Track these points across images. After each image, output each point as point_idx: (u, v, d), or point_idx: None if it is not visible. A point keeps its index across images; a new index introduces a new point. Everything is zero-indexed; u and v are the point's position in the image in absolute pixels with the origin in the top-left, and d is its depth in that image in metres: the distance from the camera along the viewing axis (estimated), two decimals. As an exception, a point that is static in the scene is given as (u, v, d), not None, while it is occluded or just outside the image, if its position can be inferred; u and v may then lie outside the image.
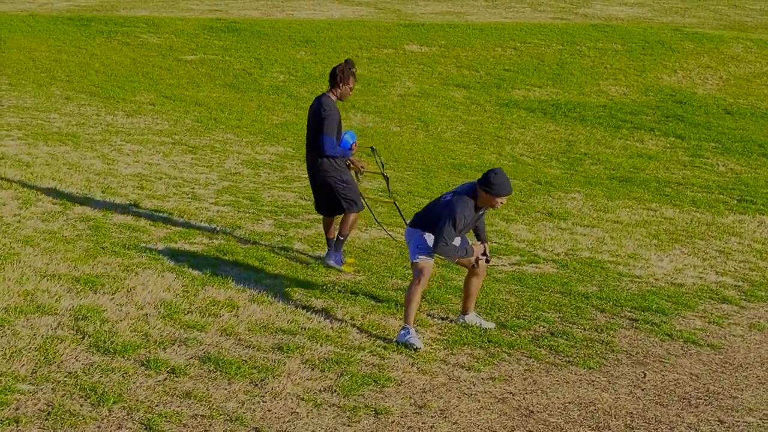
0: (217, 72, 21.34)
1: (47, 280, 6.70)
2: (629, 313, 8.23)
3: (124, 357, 5.42)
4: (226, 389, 5.25)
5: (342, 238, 8.62)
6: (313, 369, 5.76)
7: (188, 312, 6.47)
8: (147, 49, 22.83)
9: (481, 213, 6.99)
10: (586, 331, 7.54)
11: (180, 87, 19.73)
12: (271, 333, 6.32)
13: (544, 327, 7.49)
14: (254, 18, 27.21)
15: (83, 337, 5.63)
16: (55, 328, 5.67)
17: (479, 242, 7.16)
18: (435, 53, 23.70)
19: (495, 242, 10.92)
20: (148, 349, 5.59)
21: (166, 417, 4.75)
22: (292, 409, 5.14)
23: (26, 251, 7.46)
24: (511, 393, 5.86)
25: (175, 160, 13.46)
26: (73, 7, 28.84)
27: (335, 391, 5.48)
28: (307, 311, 7.01)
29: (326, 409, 5.20)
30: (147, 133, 15.21)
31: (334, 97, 8.51)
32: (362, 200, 8.79)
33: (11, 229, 8.16)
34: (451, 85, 21.53)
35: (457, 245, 6.73)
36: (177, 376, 5.30)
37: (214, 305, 6.77)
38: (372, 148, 9.50)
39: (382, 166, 9.57)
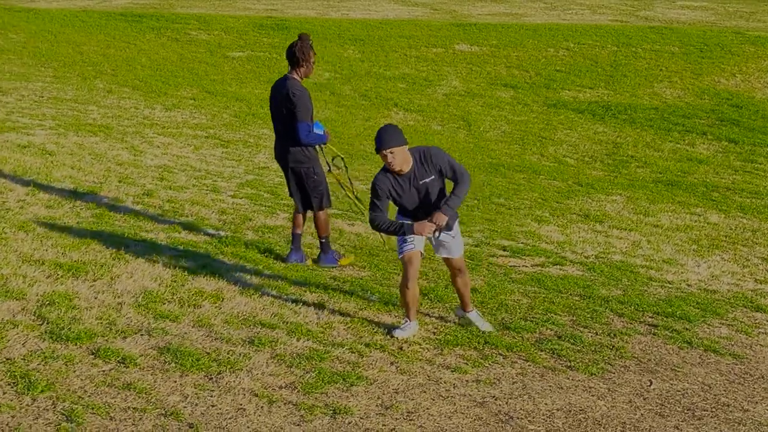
0: (262, 69, 21.19)
1: (28, 265, 6.49)
2: (650, 319, 7.74)
3: (76, 345, 5.15)
4: (175, 382, 4.94)
5: (324, 240, 8.14)
6: (280, 364, 5.43)
7: (167, 302, 6.20)
8: (195, 46, 22.79)
9: (418, 181, 6.24)
10: (597, 336, 7.08)
11: (223, 83, 19.61)
12: (249, 326, 6.01)
13: (551, 330, 7.05)
14: (307, 16, 27.04)
15: (41, 324, 5.38)
16: (15, 314, 5.43)
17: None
18: (485, 53, 23.24)
19: (521, 243, 10.50)
20: (106, 338, 5.32)
21: (93, 408, 4.45)
22: (240, 405, 4.81)
23: (17, 236, 7.27)
24: (493, 397, 5.44)
25: (204, 153, 13.28)
26: (130, 5, 29.04)
27: (297, 388, 5.14)
28: (296, 305, 6.69)
29: (279, 407, 4.85)
30: (182, 126, 15.08)
31: (298, 77, 7.77)
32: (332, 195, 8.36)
33: (10, 215, 7.99)
34: (499, 84, 21.06)
35: (387, 221, 6.17)
36: (126, 367, 5.01)
37: (197, 296, 6.49)
38: (342, 158, 8.60)
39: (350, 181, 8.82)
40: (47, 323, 5.39)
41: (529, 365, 6.16)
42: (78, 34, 22.61)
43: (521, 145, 16.98)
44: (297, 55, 7.71)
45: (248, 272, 7.41)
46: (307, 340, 5.91)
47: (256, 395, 4.95)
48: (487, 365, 6.00)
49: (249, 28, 24.50)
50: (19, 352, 4.90)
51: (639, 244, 11.18)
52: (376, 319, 6.62)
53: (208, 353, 5.39)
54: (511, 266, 9.35)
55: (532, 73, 21.88)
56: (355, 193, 9.00)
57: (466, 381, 5.60)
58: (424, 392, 5.33)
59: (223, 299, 6.54)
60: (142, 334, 5.48)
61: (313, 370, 5.40)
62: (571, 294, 8.38)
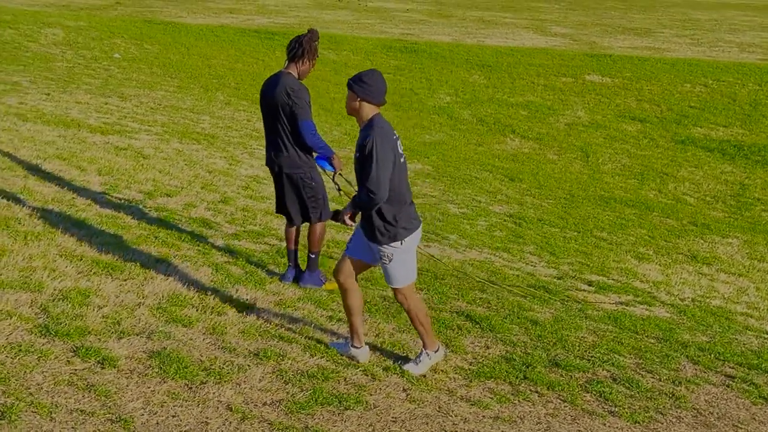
0: (384, 89, 21.05)
1: (64, 259, 6.39)
2: (729, 370, 7.00)
3: (63, 341, 4.94)
4: (148, 388, 4.65)
5: (313, 257, 7.18)
6: (277, 380, 5.07)
7: (190, 306, 5.95)
8: (322, 64, 22.88)
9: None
10: (659, 382, 6.42)
11: (342, 101, 19.52)
12: (266, 338, 5.68)
13: (608, 371, 6.44)
14: (439, 41, 26.85)
15: (39, 317, 5.21)
16: (20, 305, 5.29)
17: None
18: (616, 84, 22.41)
19: (612, 279, 9.85)
20: (99, 337, 5.10)
21: (36, 407, 4.19)
22: (206, 419, 4.47)
23: (69, 231, 7.21)
24: (506, 436, 4.93)
25: (302, 168, 13.13)
26: (270, 24, 29.58)
27: (281, 406, 4.76)
28: (329, 321, 6.34)
29: (250, 425, 4.48)
30: (287, 140, 15.02)
31: (295, 74, 6.82)
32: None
33: (72, 210, 7.98)
34: (627, 117, 20.22)
35: None
36: (102, 368, 4.75)
37: (227, 303, 6.23)
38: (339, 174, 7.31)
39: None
40: (46, 317, 5.22)
41: (565, 406, 5.59)
42: (210, 48, 23.09)
43: (639, 180, 16.16)
44: (304, 47, 6.78)
45: (292, 284, 7.11)
46: (321, 357, 5.54)
47: (231, 410, 4.61)
48: (515, 402, 5.48)
49: (378, 49, 24.48)
50: (-3, 342, 4.74)
51: (745, 290, 10.33)
52: (411, 343, 6.19)
53: (201, 362, 5.10)
54: (590, 302, 8.73)
55: (663, 108, 20.93)
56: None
57: (482, 417, 5.10)
58: (426, 424, 4.86)
59: (253, 309, 6.26)
60: (140, 337, 5.24)
61: (311, 389, 5.02)
62: (647, 336, 7.71)
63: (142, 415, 4.35)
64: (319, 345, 5.78)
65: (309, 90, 6.91)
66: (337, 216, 5.58)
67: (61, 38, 21.43)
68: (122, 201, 8.91)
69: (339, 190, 7.30)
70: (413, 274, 5.73)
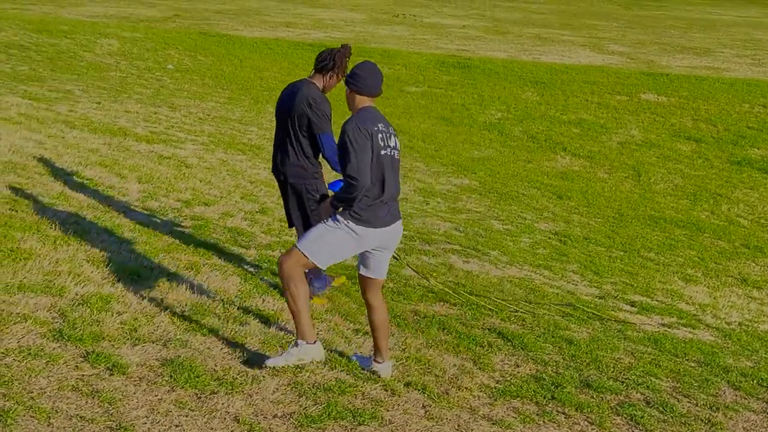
0: (435, 104, 20.94)
1: (91, 264, 6.36)
2: (773, 397, 6.71)
3: (75, 346, 4.87)
4: (155, 396, 4.55)
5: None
6: (291, 392, 4.94)
7: (213, 315, 5.87)
8: (373, 78, 22.85)
9: None
10: (696, 407, 6.17)
11: (392, 116, 19.46)
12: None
13: (642, 394, 6.21)
14: (493, 57, 26.66)
15: (55, 321, 5.15)
16: (37, 309, 5.24)
17: None
18: (672, 104, 21.99)
19: (656, 300, 9.57)
20: (112, 343, 5.02)
21: (35, 411, 4.09)
22: (211, 429, 4.35)
23: (99, 237, 7.20)
24: (524, 459, 4.73)
25: (345, 180, 13.05)
26: (326, 38, 29.67)
27: (292, 419, 4.63)
28: (355, 334, 6.20)
29: (254, 438, 4.37)
30: (333, 152, 14.96)
31: (319, 85, 6.65)
32: None
33: (106, 216, 7.97)
34: (681, 137, 19.81)
35: None
36: (111, 374, 4.67)
37: (251, 314, 6.13)
38: None
39: None
40: (62, 322, 5.17)
41: (592, 429, 5.38)
42: (263, 60, 23.20)
43: (692, 201, 15.77)
44: (336, 61, 6.58)
45: (327, 295, 7.00)
46: (341, 371, 5.40)
47: (237, 421, 4.50)
48: (540, 423, 5.28)
49: (431, 64, 24.37)
50: (8, 345, 4.68)
51: (797, 316, 9.96)
52: (438, 359, 6.03)
53: (215, 371, 4.99)
54: (631, 323, 8.48)
55: (720, 128, 20.47)
56: None
57: (503, 437, 4.92)
58: (442, 442, 4.71)
59: (277, 320, 6.15)
60: (156, 344, 5.16)
61: (325, 402, 4.88)
62: (687, 359, 7.45)
63: (144, 423, 4.26)
64: (340, 358, 5.65)
65: (331, 103, 6.78)
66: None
67: (116, 48, 21.70)
68: (158, 209, 8.89)
69: None
70: (324, 259, 5.21)
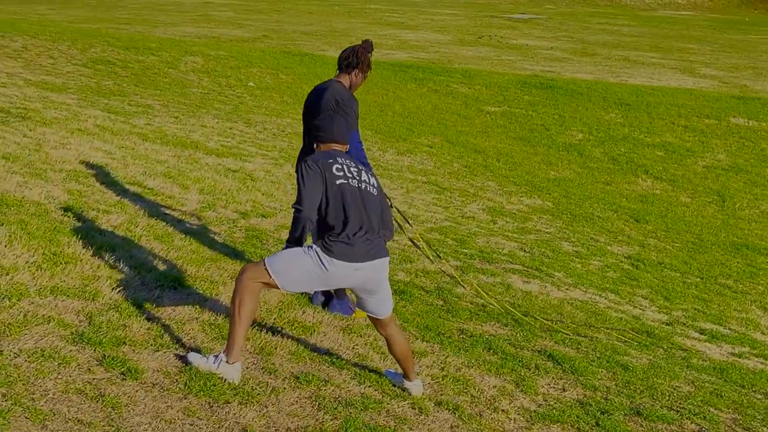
0: (513, 124, 20.63)
1: (132, 270, 6.30)
2: (844, 434, 6.25)
3: (93, 350, 4.77)
4: (164, 403, 4.41)
5: None
6: (310, 406, 4.75)
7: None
8: (453, 98, 22.68)
9: None
10: (755, 441, 5.77)
11: (469, 134, 19.25)
12: (316, 362, 5.38)
13: (697, 425, 5.84)
14: (578, 78, 26.20)
15: (80, 324, 5.08)
16: (65, 312, 5.18)
17: None
18: (763, 128, 21.21)
19: (729, 329, 9.11)
20: (133, 348, 4.91)
21: (33, 413, 3.93)
22: None
23: (147, 245, 7.15)
24: (554, 487, 4.43)
25: (413, 197, 12.88)
26: (409, 58, 29.64)
27: None
28: (394, 350, 5.98)
29: (262, 451, 4.17)
30: (404, 170, 14.81)
31: (346, 84, 6.53)
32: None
33: (160, 224, 7.94)
34: (772, 162, 19.07)
35: None
36: (124, 379, 4.55)
37: (288, 324, 5.98)
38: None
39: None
40: (87, 325, 5.09)
41: (635, 459, 5.05)
42: (343, 79, 23.23)
43: (778, 228, 15.10)
44: (360, 58, 6.45)
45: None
46: (369, 386, 5.19)
47: (246, 431, 4.33)
48: (578, 450, 4.98)
49: (511, 84, 24.07)
50: (23, 346, 4.60)
51: None
52: (477, 379, 5.77)
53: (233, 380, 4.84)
54: (698, 350, 8.07)
55: (812, 154, 19.64)
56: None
57: (533, 463, 4.64)
58: (464, 466, 4.45)
59: (313, 332, 5.98)
60: (180, 351, 5.04)
61: (344, 418, 4.68)
62: (754, 390, 7.02)
63: (146, 429, 4.12)
64: (372, 374, 5.44)
65: (359, 102, 6.64)
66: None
67: (200, 66, 22.00)
68: (214, 219, 8.85)
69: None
70: (286, 282, 4.94)
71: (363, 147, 6.72)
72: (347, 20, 44.31)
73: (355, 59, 6.53)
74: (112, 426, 4.08)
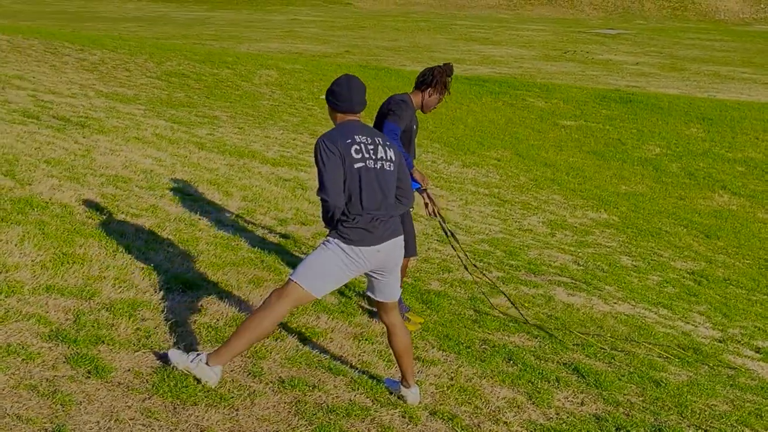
0: (588, 138, 20.12)
1: (143, 272, 6.19)
2: None
3: (66, 346, 4.63)
4: (124, 402, 4.21)
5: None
6: (287, 411, 4.51)
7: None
8: (528, 111, 22.28)
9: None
10: (789, 466, 5.32)
11: (540, 148, 18.83)
12: (311, 368, 5.15)
13: (724, 446, 5.41)
14: (665, 93, 25.48)
15: (64, 322, 4.96)
16: (54, 310, 5.06)
17: None
18: None
19: (791, 346, 8.57)
20: (112, 348, 4.77)
21: None
22: None
23: (172, 247, 7.06)
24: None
25: (470, 208, 12.59)
26: (492, 74, 29.34)
27: None
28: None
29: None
30: (467, 182, 14.52)
31: (415, 101, 6.51)
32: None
33: (190, 229, 7.85)
34: None
35: None
36: (88, 377, 4.38)
37: (296, 329, 5.77)
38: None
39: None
40: (72, 323, 4.98)
41: (642, 479, 4.67)
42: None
43: None
44: (435, 77, 6.46)
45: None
46: (362, 393, 4.94)
47: None
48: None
49: (590, 98, 23.53)
50: (-7, 341, 4.51)
51: None
52: (487, 390, 5.46)
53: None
54: (748, 369, 7.58)
55: None
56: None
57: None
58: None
59: (320, 337, 5.77)
60: (160, 351, 4.88)
61: (320, 424, 4.43)
62: (802, 413, 6.51)
63: (91, 428, 3.96)
64: (371, 381, 5.20)
65: (414, 115, 6.48)
66: None
67: (273, 79, 22.12)
68: (249, 225, 8.73)
69: (431, 211, 6.64)
70: (320, 287, 4.78)
71: (397, 136, 6.48)
72: (432, 36, 44.24)
73: (430, 77, 6.55)
74: (54, 423, 3.93)
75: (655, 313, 8.86)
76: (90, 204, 7.82)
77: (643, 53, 39.60)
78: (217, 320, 5.66)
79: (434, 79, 6.51)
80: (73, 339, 4.74)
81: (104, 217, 7.51)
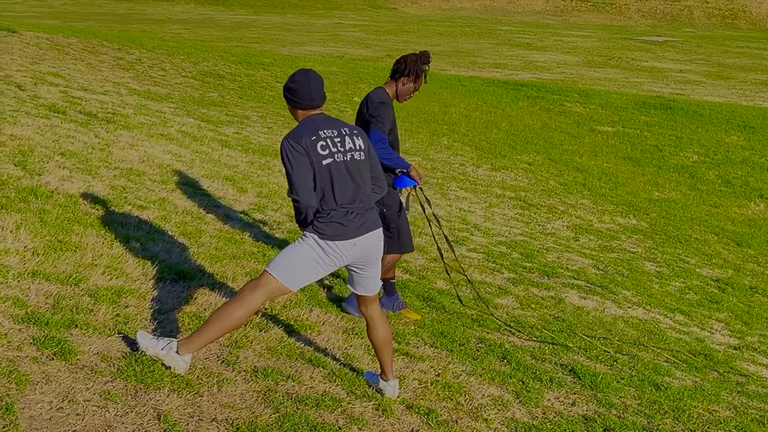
0: (624, 144, 19.83)
1: (136, 261, 6.17)
2: None
3: (38, 329, 4.60)
4: (84, 385, 4.14)
5: (393, 281, 6.65)
6: (253, 399, 4.42)
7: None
8: (565, 116, 22.04)
9: None
10: (785, 475, 5.12)
11: (574, 153, 18.59)
12: (290, 359, 5.07)
13: (719, 452, 5.23)
14: (709, 101, 25.07)
15: (41, 306, 4.93)
16: (34, 295, 5.04)
17: None
18: None
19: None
20: (84, 332, 4.73)
21: None
22: (112, 423, 3.89)
23: (173, 239, 7.04)
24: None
25: (493, 211, 12.44)
26: (534, 79, 29.12)
27: (230, 426, 4.10)
28: (395, 354, 5.62)
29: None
30: (494, 185, 14.36)
31: (390, 92, 6.37)
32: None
33: (196, 222, 7.82)
34: None
35: None
36: (52, 359, 4.32)
37: (285, 321, 5.70)
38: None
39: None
40: (49, 306, 4.96)
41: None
42: (452, 96, 22.94)
43: None
44: (408, 65, 6.27)
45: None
46: (338, 385, 4.85)
47: (158, 419, 4.02)
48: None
49: (629, 104, 23.21)
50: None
51: None
52: (473, 387, 5.33)
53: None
54: (761, 377, 7.35)
55: None
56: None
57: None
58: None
59: (309, 330, 5.69)
60: (133, 337, 4.83)
61: (285, 413, 4.34)
62: (810, 422, 6.29)
63: (41, 408, 3.92)
64: (350, 373, 5.11)
65: (392, 108, 6.36)
66: None
67: (309, 81, 22.15)
68: (259, 220, 8.69)
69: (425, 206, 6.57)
70: (294, 279, 4.71)
71: (385, 143, 6.42)
72: (475, 41, 44.08)
73: (403, 66, 6.38)
74: (2, 402, 3.89)
75: (671, 319, 8.65)
76: (97, 195, 7.83)
77: (690, 61, 39.05)
78: (204, 310, 5.61)
79: (407, 67, 6.35)
80: (45, 322, 4.72)
81: (109, 207, 7.52)
